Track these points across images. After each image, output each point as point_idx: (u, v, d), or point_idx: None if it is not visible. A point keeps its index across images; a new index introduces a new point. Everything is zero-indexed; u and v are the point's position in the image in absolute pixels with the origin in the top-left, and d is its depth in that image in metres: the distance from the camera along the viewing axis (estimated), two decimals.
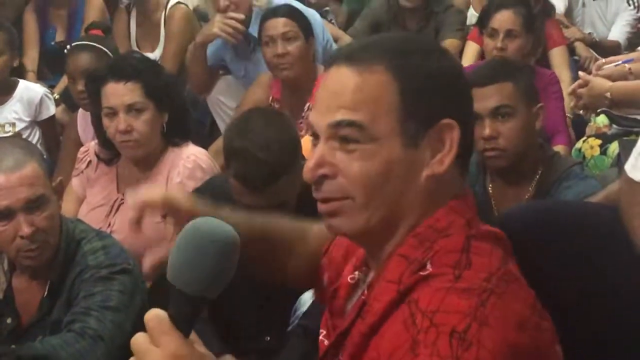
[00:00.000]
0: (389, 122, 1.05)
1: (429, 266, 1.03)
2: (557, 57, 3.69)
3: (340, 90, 1.07)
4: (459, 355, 0.94)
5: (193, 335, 0.94)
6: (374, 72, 1.06)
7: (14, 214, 1.89)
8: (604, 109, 2.69)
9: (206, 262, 0.92)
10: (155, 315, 0.92)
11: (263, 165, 1.98)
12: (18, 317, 2.00)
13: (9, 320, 1.99)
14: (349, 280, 1.16)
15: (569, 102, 2.93)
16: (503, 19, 3.24)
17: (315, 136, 1.10)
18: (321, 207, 1.09)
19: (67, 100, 3.57)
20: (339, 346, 1.10)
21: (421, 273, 1.02)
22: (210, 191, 2.25)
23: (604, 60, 2.59)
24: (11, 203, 1.88)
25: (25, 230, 1.88)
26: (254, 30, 3.47)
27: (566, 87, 3.11)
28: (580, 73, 2.58)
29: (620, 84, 2.34)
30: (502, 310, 0.98)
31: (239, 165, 2.02)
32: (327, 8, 4.66)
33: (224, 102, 3.71)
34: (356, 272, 1.16)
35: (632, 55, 2.61)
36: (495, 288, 0.99)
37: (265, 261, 1.31)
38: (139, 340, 0.92)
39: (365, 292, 1.09)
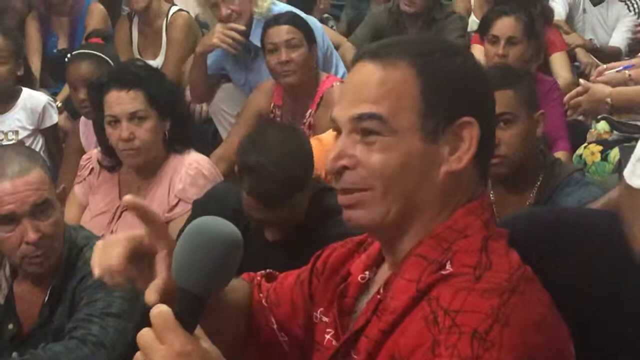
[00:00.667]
0: (410, 117, 1.07)
1: (448, 266, 1.05)
2: (558, 62, 3.71)
3: (363, 85, 1.10)
4: (479, 356, 0.95)
5: (198, 331, 0.95)
6: (398, 68, 1.09)
7: (20, 220, 1.89)
8: (604, 115, 2.70)
9: (210, 261, 0.93)
10: (160, 312, 0.93)
11: (278, 182, 1.98)
12: (19, 323, 2.00)
13: (10, 326, 2.00)
14: (359, 279, 1.17)
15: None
16: (504, 25, 3.26)
17: (339, 132, 1.12)
18: (342, 198, 1.11)
19: (70, 108, 3.58)
20: (352, 345, 1.11)
21: (442, 272, 1.04)
22: (214, 201, 2.25)
23: (604, 66, 2.60)
24: (17, 208, 1.89)
25: (32, 235, 1.88)
26: (254, 38, 3.49)
27: (567, 90, 3.12)
28: (581, 81, 2.59)
29: (620, 89, 2.34)
30: (522, 311, 1.00)
31: (253, 181, 2.02)
32: (326, 15, 4.67)
33: (226, 110, 3.72)
34: (367, 272, 1.17)
35: (632, 61, 2.62)
36: (516, 288, 1.01)
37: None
38: (145, 336, 0.93)
39: (382, 290, 1.10)
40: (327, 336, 1.18)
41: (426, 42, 1.16)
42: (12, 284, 2.01)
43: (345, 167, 1.09)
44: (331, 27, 4.38)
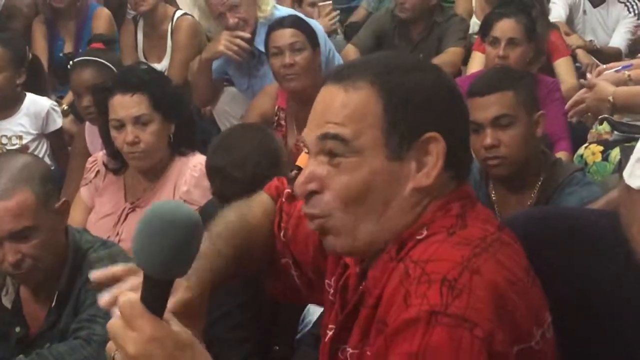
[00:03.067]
0: (373, 136, 1.09)
1: (424, 231, 1.07)
2: (563, 67, 3.72)
3: (327, 107, 1.11)
4: (449, 303, 0.96)
5: (167, 314, 0.95)
6: (358, 88, 1.10)
7: (1, 242, 1.88)
8: (605, 116, 2.71)
9: (169, 245, 0.92)
10: (127, 300, 0.93)
11: (239, 184, 2.01)
12: (26, 326, 2.01)
13: (17, 329, 2.01)
14: (357, 270, 1.17)
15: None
16: (504, 27, 3.27)
17: (309, 154, 1.14)
18: (310, 225, 1.14)
19: (76, 112, 3.59)
20: (345, 335, 1.12)
21: (417, 237, 1.07)
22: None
23: (604, 66, 2.60)
24: None
25: (10, 258, 1.86)
26: (258, 43, 3.51)
27: (571, 95, 3.13)
28: (588, 76, 2.59)
29: (623, 88, 2.35)
30: (495, 264, 1.01)
31: (217, 182, 2.07)
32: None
33: (230, 113, 3.74)
34: (364, 262, 1.17)
35: (632, 61, 2.63)
36: (489, 247, 1.03)
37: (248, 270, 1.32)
38: (114, 325, 0.93)
39: (364, 283, 1.12)
40: (330, 332, 1.19)
41: (386, 61, 1.16)
42: (18, 288, 2.02)
43: (314, 192, 1.10)
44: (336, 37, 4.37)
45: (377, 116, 1.09)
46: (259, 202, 1.34)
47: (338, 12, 4.27)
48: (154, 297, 0.94)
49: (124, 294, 0.95)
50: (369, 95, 1.10)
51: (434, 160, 1.09)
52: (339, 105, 1.10)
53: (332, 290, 1.22)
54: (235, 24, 3.49)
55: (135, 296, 0.93)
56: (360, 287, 1.13)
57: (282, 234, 1.31)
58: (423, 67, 1.18)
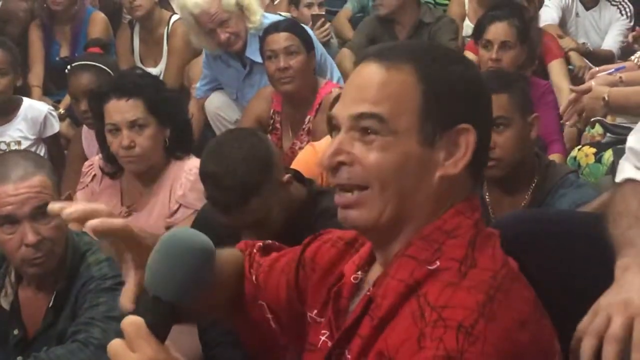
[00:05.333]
0: (409, 119, 1.09)
1: (437, 262, 1.07)
2: (556, 69, 3.74)
3: (366, 84, 1.11)
4: (464, 350, 0.97)
5: (168, 342, 0.97)
6: (401, 71, 1.10)
7: (20, 222, 1.92)
8: (598, 118, 2.73)
9: (182, 271, 0.95)
10: (132, 322, 0.94)
11: (230, 190, 2.02)
12: (24, 328, 2.03)
13: (15, 332, 2.02)
14: (352, 280, 1.18)
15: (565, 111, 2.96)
16: (497, 30, 3.29)
17: (337, 129, 1.13)
18: (340, 197, 1.12)
19: (73, 116, 3.61)
20: (345, 344, 1.12)
21: (429, 267, 1.07)
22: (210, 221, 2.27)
23: (597, 68, 2.62)
24: (17, 209, 1.91)
25: (31, 238, 1.90)
26: (250, 53, 3.53)
27: (565, 97, 3.15)
28: (587, 78, 2.61)
29: (617, 88, 2.37)
30: (507, 308, 1.02)
31: (209, 189, 2.08)
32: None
33: (224, 117, 3.75)
34: (359, 272, 1.18)
35: (624, 63, 2.65)
36: (501, 286, 1.04)
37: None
38: (116, 346, 0.94)
39: (371, 288, 1.12)
40: (322, 337, 1.19)
41: (430, 48, 1.18)
42: (17, 290, 2.04)
43: (342, 163, 1.10)
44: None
45: (415, 101, 1.09)
46: (229, 250, 1.34)
47: (329, 24, 4.31)
48: (159, 321, 0.95)
49: (129, 316, 0.95)
50: (410, 78, 1.10)
51: (464, 151, 1.10)
52: (380, 84, 1.10)
53: (317, 318, 1.22)
54: (227, 39, 3.51)
55: (140, 319, 0.94)
56: (367, 294, 1.12)
57: (253, 278, 1.31)
58: (464, 60, 1.18)
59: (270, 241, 1.37)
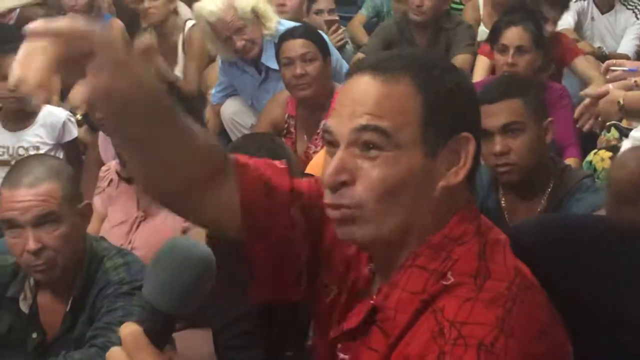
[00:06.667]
0: (412, 132, 1.07)
1: (449, 275, 1.05)
2: (582, 63, 3.73)
3: (364, 98, 1.08)
4: None
5: (170, 352, 0.96)
6: (400, 82, 1.08)
7: (24, 227, 1.93)
8: (614, 122, 2.72)
9: (181, 282, 0.94)
10: (131, 331, 0.93)
11: None
12: (43, 332, 2.04)
13: (34, 335, 2.03)
14: (367, 271, 1.16)
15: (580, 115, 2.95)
16: (512, 35, 3.29)
17: (332, 144, 1.10)
18: (333, 213, 1.09)
19: (90, 121, 3.63)
20: (347, 341, 1.12)
21: (443, 282, 1.05)
22: None
23: (613, 61, 2.61)
24: (19, 215, 1.92)
25: (31, 245, 1.91)
26: (266, 59, 3.54)
27: (596, 85, 3.13)
28: (602, 70, 2.60)
29: (632, 92, 2.37)
30: (524, 320, 1.01)
31: None
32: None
33: (239, 123, 3.77)
34: (372, 264, 1.16)
35: (638, 63, 2.64)
36: (517, 296, 1.03)
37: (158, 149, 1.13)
38: (115, 354, 0.93)
39: (374, 296, 1.10)
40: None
41: (426, 57, 1.15)
42: (36, 294, 2.05)
43: (343, 183, 1.07)
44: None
45: (416, 112, 1.08)
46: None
47: (344, 29, 4.31)
48: (158, 331, 0.95)
49: (127, 324, 0.94)
50: (409, 89, 1.08)
51: (464, 160, 1.09)
52: (379, 97, 1.07)
53: (331, 285, 1.19)
54: (243, 47, 3.53)
55: (139, 328, 0.93)
56: (371, 302, 1.10)
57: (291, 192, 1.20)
58: (456, 68, 1.18)
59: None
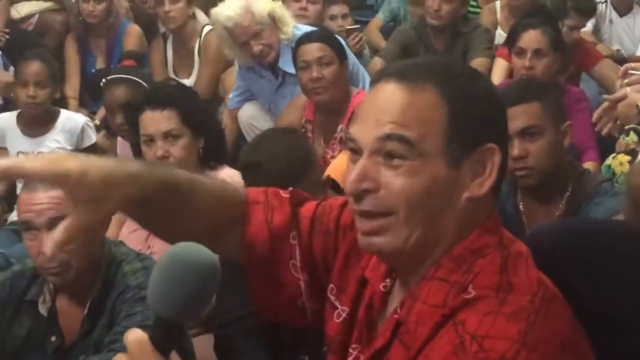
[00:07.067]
0: (436, 142, 1.06)
1: (471, 289, 1.04)
2: (605, 68, 3.71)
3: (389, 106, 1.07)
4: None
5: (173, 355, 0.96)
6: (425, 92, 1.07)
7: (40, 230, 1.96)
8: (632, 126, 2.70)
9: (183, 290, 0.94)
10: (136, 338, 0.93)
11: (272, 177, 2.04)
12: (62, 335, 2.05)
13: (53, 339, 2.05)
14: (381, 288, 1.15)
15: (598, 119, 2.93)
16: (530, 38, 3.28)
17: (355, 152, 1.09)
18: (363, 225, 1.08)
19: (108, 127, 3.66)
20: None
21: (464, 296, 1.04)
22: None
23: (632, 64, 2.60)
24: (34, 218, 1.95)
25: (45, 247, 1.92)
26: (283, 64, 3.55)
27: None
28: (620, 73, 2.59)
29: None
30: (547, 333, 1.00)
31: (251, 178, 2.11)
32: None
33: (257, 127, 3.78)
34: (387, 279, 1.15)
35: None
36: (539, 309, 1.02)
37: (170, 215, 1.20)
38: None
39: (399, 310, 1.09)
40: (355, 352, 1.16)
41: (451, 66, 1.14)
42: (54, 297, 2.07)
43: (366, 190, 1.06)
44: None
45: (442, 122, 1.06)
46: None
47: (363, 36, 4.32)
48: (163, 338, 0.95)
49: (133, 330, 0.95)
50: (434, 99, 1.06)
51: (489, 171, 1.08)
52: (404, 106, 1.06)
53: (342, 306, 1.19)
54: (260, 51, 3.55)
55: (145, 335, 0.94)
56: (395, 317, 1.09)
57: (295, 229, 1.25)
58: (482, 76, 1.16)
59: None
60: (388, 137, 1.05)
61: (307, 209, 1.26)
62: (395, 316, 1.09)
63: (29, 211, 1.97)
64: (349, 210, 1.17)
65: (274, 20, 3.54)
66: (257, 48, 3.54)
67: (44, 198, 1.96)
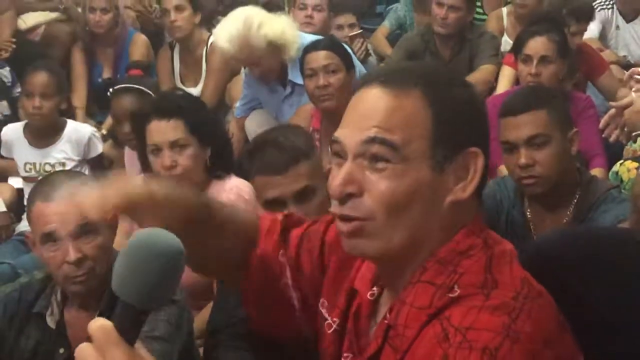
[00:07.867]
0: (421, 146, 1.07)
1: (456, 288, 1.06)
2: (610, 80, 3.71)
3: (373, 110, 1.08)
4: None
5: (137, 345, 0.94)
6: (410, 96, 1.08)
7: (62, 239, 1.95)
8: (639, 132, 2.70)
9: (149, 275, 0.93)
10: (101, 326, 0.92)
11: (285, 148, 2.06)
12: (70, 347, 2.04)
13: (61, 351, 2.04)
14: (369, 297, 1.16)
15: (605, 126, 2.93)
16: (536, 45, 3.27)
17: (339, 155, 1.11)
18: (342, 226, 1.10)
19: (115, 137, 3.67)
20: None
21: (450, 295, 1.05)
22: None
23: (637, 69, 2.59)
24: (60, 227, 1.94)
25: (72, 255, 1.93)
26: (293, 76, 3.55)
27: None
28: (625, 77, 2.59)
29: None
30: (531, 328, 1.01)
31: (262, 154, 2.11)
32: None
33: None
34: (374, 288, 1.16)
35: None
36: (523, 306, 1.02)
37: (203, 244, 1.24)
38: (85, 351, 0.92)
39: (388, 315, 1.10)
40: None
41: (436, 71, 1.16)
42: (63, 309, 2.06)
43: (351, 195, 1.08)
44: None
45: (426, 127, 1.08)
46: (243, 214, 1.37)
47: (367, 43, 4.32)
48: (128, 325, 0.93)
49: (96, 319, 0.93)
50: (419, 103, 1.08)
51: (472, 175, 1.09)
52: (388, 110, 1.08)
53: (332, 318, 1.21)
54: (260, 74, 3.58)
55: (110, 323, 0.92)
56: (385, 322, 1.10)
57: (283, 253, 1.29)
58: (466, 82, 1.18)
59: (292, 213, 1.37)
60: (372, 140, 1.07)
61: (300, 228, 1.29)
62: (385, 321, 1.10)
63: (53, 222, 1.95)
64: (334, 227, 1.19)
65: (275, 46, 3.52)
66: (257, 72, 3.56)
67: (64, 207, 1.95)
